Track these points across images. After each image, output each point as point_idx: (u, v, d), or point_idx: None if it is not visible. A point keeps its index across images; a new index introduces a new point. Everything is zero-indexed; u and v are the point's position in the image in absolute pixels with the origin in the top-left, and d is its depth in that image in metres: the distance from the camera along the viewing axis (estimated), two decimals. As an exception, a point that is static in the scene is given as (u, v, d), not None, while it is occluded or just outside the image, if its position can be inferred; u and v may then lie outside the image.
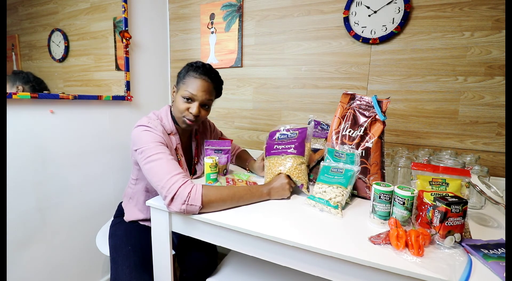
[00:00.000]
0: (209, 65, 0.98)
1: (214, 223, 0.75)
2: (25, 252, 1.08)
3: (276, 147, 0.97)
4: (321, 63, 1.38)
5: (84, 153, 1.27)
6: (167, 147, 0.89)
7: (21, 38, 1.04)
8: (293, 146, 0.94)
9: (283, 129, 1.01)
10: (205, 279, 0.94)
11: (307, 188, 0.91)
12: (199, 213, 0.78)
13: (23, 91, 1.02)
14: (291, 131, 0.98)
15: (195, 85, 0.92)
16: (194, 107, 0.93)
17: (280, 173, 0.91)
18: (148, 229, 1.02)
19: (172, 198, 0.76)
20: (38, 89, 1.08)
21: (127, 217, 1.05)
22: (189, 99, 0.93)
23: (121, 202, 1.15)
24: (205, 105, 0.97)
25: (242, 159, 1.25)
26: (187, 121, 0.95)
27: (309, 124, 1.14)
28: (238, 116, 1.64)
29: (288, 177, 0.90)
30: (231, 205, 0.81)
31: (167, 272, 0.87)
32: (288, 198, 0.89)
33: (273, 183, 0.89)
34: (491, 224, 0.78)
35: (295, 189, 0.94)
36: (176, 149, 0.99)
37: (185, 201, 0.75)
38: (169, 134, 0.97)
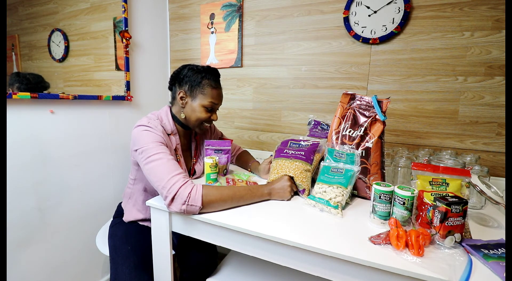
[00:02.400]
0: (216, 69, 1.02)
1: (214, 223, 0.75)
2: (25, 252, 1.08)
3: (286, 151, 0.99)
4: (321, 63, 1.38)
5: (84, 153, 1.27)
6: (167, 147, 0.89)
7: (21, 38, 1.04)
8: (303, 152, 0.96)
9: (298, 138, 1.05)
10: (205, 279, 0.94)
11: (308, 194, 0.90)
12: (200, 213, 0.78)
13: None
14: (304, 142, 1.02)
15: (215, 94, 0.98)
16: (215, 115, 1.02)
17: (284, 175, 0.91)
18: (147, 229, 1.02)
19: (173, 198, 0.76)
20: (26, 88, 1.03)
21: (126, 218, 1.05)
22: (210, 109, 0.98)
23: (121, 202, 1.15)
24: None
25: (243, 160, 1.25)
26: (206, 126, 1.03)
27: (309, 124, 1.14)
28: (238, 116, 1.64)
29: (292, 179, 0.91)
30: (232, 205, 0.81)
31: (167, 272, 0.87)
32: (289, 199, 0.89)
33: (275, 184, 0.89)
34: (491, 224, 0.78)
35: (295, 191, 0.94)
36: (175, 149, 0.99)
37: (185, 201, 0.75)
38: (169, 134, 0.98)
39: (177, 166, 0.83)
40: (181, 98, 0.98)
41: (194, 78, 0.96)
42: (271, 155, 1.07)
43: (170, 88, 1.04)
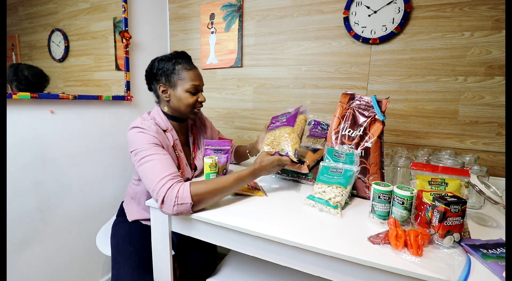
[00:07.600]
0: (184, 52, 1.02)
1: (214, 223, 0.75)
2: (25, 252, 1.08)
3: (272, 123, 1.03)
4: (321, 63, 1.38)
5: (84, 153, 1.27)
6: (163, 147, 0.89)
7: (21, 38, 1.05)
8: (285, 119, 0.99)
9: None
10: (205, 279, 0.94)
11: (295, 154, 0.87)
12: (195, 211, 0.77)
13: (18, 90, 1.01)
14: (292, 111, 1.05)
15: (194, 76, 0.97)
16: (202, 96, 1.01)
17: (262, 151, 0.91)
18: (150, 229, 1.01)
19: (163, 201, 0.76)
20: (31, 83, 1.04)
21: (129, 217, 1.05)
22: (195, 92, 0.98)
23: (123, 201, 1.15)
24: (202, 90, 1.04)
25: (241, 152, 1.25)
26: (197, 111, 1.02)
27: (309, 124, 1.14)
28: (238, 116, 1.64)
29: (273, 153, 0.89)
30: (223, 194, 0.81)
31: (167, 272, 0.87)
32: (278, 173, 0.88)
33: (256, 162, 0.87)
34: (490, 224, 0.78)
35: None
36: (174, 145, 0.99)
37: (175, 202, 0.75)
38: (165, 131, 0.98)
39: (168, 166, 0.82)
40: (163, 92, 0.98)
41: (166, 67, 0.97)
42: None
43: (150, 88, 1.05)
